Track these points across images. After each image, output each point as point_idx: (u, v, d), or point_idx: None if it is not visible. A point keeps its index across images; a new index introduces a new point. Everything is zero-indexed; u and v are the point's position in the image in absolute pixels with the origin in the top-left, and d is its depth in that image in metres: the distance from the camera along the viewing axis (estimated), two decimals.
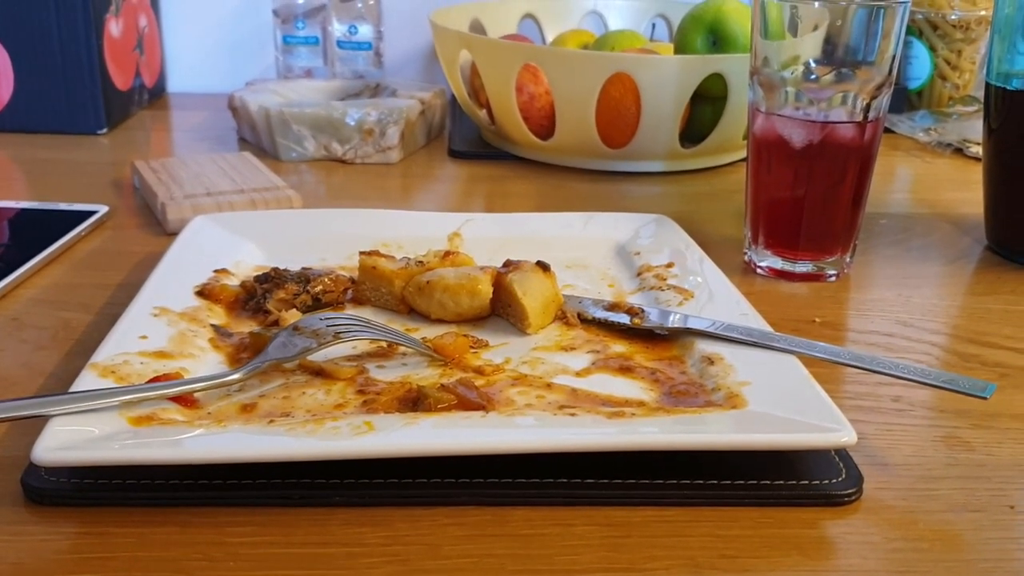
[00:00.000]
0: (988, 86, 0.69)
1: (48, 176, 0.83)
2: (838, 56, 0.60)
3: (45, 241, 0.64)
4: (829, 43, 0.61)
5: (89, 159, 0.89)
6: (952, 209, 0.81)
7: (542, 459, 0.40)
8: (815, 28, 0.61)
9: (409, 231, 0.65)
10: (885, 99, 0.61)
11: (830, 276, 0.65)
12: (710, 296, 0.55)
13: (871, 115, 0.61)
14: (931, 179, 0.91)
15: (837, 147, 0.61)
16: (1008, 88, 0.67)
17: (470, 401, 0.43)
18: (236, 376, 0.43)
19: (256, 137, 0.92)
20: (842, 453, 0.42)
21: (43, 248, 0.63)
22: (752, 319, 0.51)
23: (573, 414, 0.42)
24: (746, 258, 0.67)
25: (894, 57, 0.60)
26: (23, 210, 0.71)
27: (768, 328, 0.50)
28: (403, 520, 0.38)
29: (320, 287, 0.54)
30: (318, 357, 0.47)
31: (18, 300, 0.58)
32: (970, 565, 0.37)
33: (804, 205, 0.63)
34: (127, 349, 0.46)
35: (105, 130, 0.97)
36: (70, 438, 0.38)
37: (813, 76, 0.61)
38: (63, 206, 0.72)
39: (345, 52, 1.11)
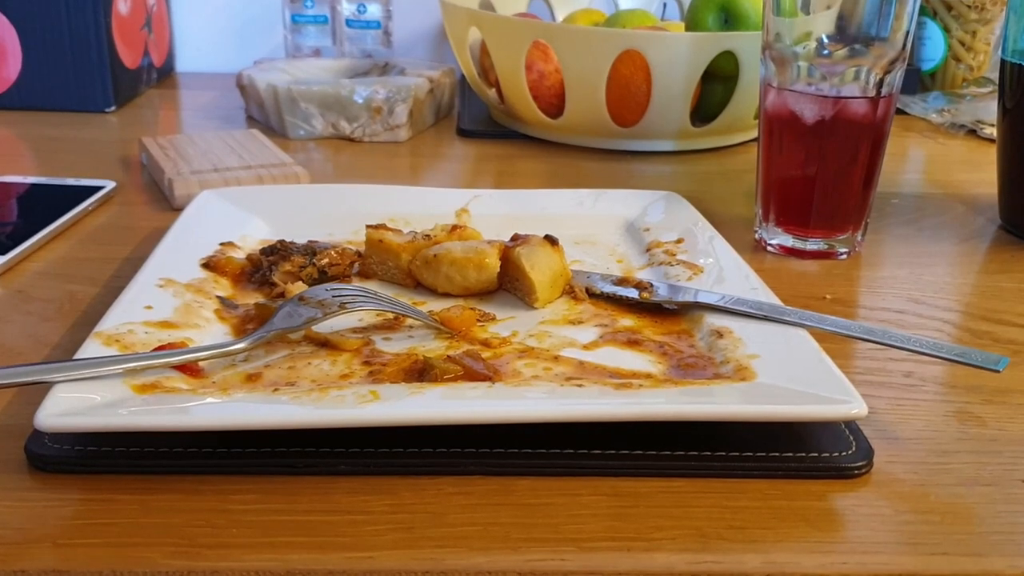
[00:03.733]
0: (1003, 63, 0.68)
1: (56, 153, 0.83)
2: (851, 32, 0.59)
3: (52, 215, 0.64)
4: (842, 19, 0.60)
5: (97, 136, 0.89)
6: (965, 189, 0.80)
7: (548, 430, 0.39)
8: (828, 7, 0.60)
9: (416, 207, 0.64)
10: (898, 75, 0.60)
11: (841, 254, 0.64)
12: (720, 271, 0.55)
13: (884, 91, 0.60)
14: (944, 160, 0.90)
15: (849, 123, 0.61)
16: None
17: (476, 372, 0.43)
18: (241, 345, 0.43)
19: (264, 115, 0.92)
20: (852, 426, 0.41)
21: (50, 222, 0.63)
22: (762, 293, 0.51)
23: (580, 385, 0.42)
24: (757, 236, 0.66)
25: (908, 32, 0.59)
26: (32, 185, 0.71)
27: (778, 302, 0.50)
28: (408, 489, 0.38)
29: (326, 260, 0.54)
30: (324, 328, 0.47)
31: (25, 273, 0.57)
32: (981, 538, 0.36)
33: (816, 182, 0.62)
34: (132, 319, 0.46)
35: (113, 108, 0.96)
36: (73, 405, 0.37)
37: (826, 51, 0.60)
38: (71, 181, 0.72)
39: (354, 31, 1.11)
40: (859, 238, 0.65)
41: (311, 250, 0.54)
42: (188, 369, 0.42)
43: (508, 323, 0.50)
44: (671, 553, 0.34)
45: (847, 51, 0.60)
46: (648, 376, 0.44)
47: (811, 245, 0.64)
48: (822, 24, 0.60)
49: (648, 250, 0.60)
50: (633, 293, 0.52)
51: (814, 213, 0.63)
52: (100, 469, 0.38)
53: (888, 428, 0.43)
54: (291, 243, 0.55)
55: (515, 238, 0.54)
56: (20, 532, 0.35)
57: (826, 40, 0.60)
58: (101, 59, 0.94)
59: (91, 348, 0.42)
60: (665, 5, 1.11)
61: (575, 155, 0.87)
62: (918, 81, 1.11)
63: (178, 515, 0.36)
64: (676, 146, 0.88)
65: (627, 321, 0.50)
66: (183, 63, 1.18)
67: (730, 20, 0.90)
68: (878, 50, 0.59)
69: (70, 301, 0.54)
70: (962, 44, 1.09)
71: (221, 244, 0.56)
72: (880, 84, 0.60)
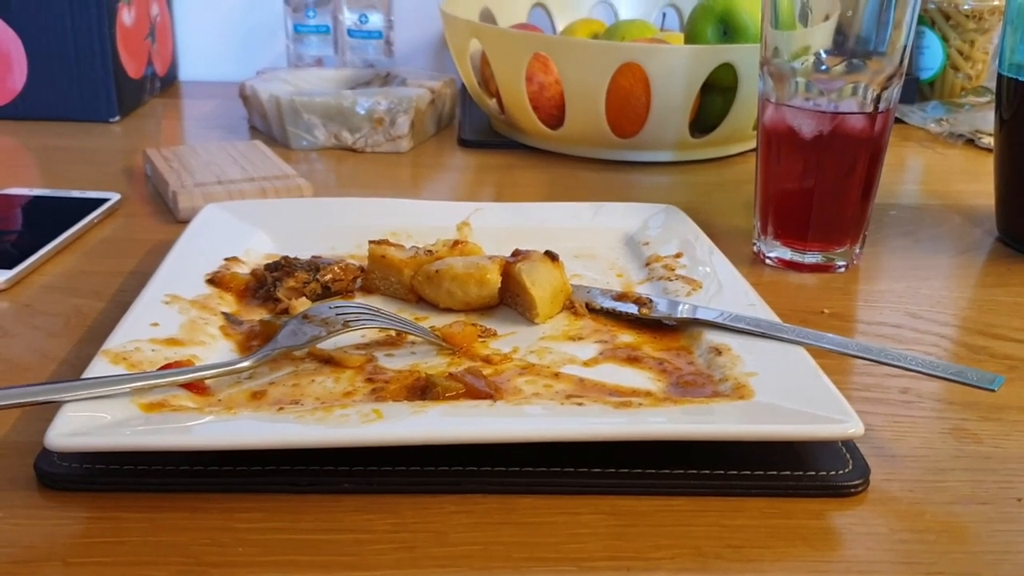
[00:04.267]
0: (1000, 77, 0.69)
1: (60, 164, 0.84)
2: (849, 46, 0.60)
3: (58, 228, 0.65)
4: (840, 33, 0.60)
5: (101, 147, 0.89)
6: (963, 200, 0.81)
7: (549, 448, 0.40)
8: (826, 18, 0.60)
9: (418, 220, 0.65)
10: (896, 90, 0.61)
11: (839, 267, 0.65)
12: (719, 287, 0.55)
13: (881, 106, 0.61)
14: (942, 170, 0.91)
15: (847, 138, 0.61)
16: (1020, 79, 0.67)
17: (478, 390, 0.43)
18: (246, 363, 0.44)
19: (267, 126, 0.93)
20: (849, 444, 0.42)
21: (56, 235, 0.63)
22: (760, 310, 0.51)
23: (580, 403, 0.42)
24: (755, 249, 0.67)
25: (905, 47, 0.60)
26: (36, 197, 0.72)
27: (776, 319, 0.50)
28: (411, 507, 0.38)
29: (330, 275, 0.55)
30: (327, 345, 0.47)
31: (31, 287, 0.58)
32: (977, 557, 0.37)
33: (814, 196, 0.63)
34: (138, 336, 0.46)
35: (117, 118, 0.97)
36: (82, 424, 0.38)
37: (824, 67, 0.60)
38: (76, 193, 0.72)
39: (355, 41, 1.11)
40: (857, 251, 0.65)
41: (315, 266, 0.55)
42: (194, 387, 0.43)
43: (509, 339, 0.51)
44: (670, 573, 0.35)
45: (845, 66, 0.60)
46: (648, 394, 0.45)
47: (809, 258, 0.64)
48: (820, 38, 0.61)
49: (647, 264, 0.60)
50: (632, 309, 0.53)
51: (812, 226, 0.64)
52: (108, 487, 0.38)
53: (885, 445, 0.44)
54: (295, 259, 0.56)
55: (516, 253, 0.55)
56: (29, 551, 0.35)
57: (824, 55, 0.61)
58: (105, 69, 0.95)
59: (99, 366, 0.43)
60: (664, 15, 1.12)
61: (575, 165, 0.87)
62: (916, 90, 1.11)
63: (184, 533, 0.36)
64: (675, 157, 0.89)
65: (627, 337, 0.51)
66: (186, 72, 1.19)
67: (729, 32, 0.90)
68: (876, 65, 0.60)
69: (76, 316, 0.54)
70: (960, 53, 1.10)
71: (226, 259, 0.57)
72: (878, 99, 0.60)
